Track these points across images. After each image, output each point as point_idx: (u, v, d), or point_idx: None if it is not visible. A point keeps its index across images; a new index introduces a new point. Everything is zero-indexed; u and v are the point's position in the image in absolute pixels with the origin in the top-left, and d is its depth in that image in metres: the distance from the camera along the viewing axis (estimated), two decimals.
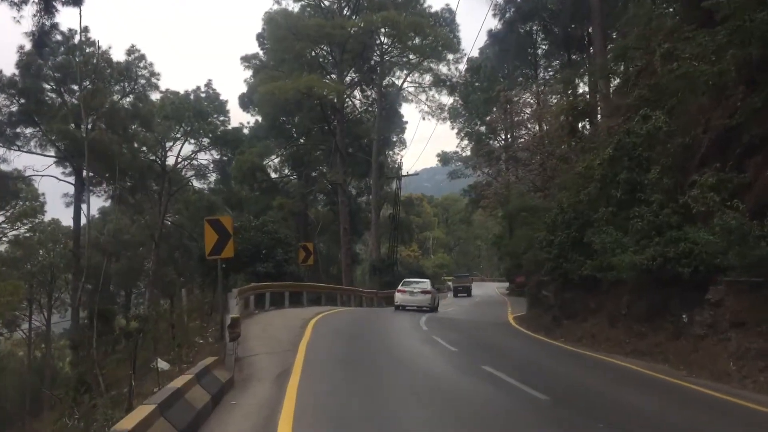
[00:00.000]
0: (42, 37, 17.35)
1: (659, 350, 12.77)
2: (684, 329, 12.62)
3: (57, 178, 37.81)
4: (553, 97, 36.23)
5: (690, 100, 14.48)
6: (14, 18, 16.32)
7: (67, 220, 43.73)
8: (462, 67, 47.79)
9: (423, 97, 50.08)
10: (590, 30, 32.53)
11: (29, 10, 16.45)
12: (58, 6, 16.82)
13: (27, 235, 48.68)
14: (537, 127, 37.57)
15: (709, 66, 12.54)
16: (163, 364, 10.23)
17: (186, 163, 48.13)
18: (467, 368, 11.02)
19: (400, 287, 27.54)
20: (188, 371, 7.18)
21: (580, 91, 33.48)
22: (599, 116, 26.18)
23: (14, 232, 47.60)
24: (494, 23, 41.78)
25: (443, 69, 47.52)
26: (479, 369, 10.53)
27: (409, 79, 49.25)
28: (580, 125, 27.89)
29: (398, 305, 26.60)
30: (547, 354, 14.40)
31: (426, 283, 28.77)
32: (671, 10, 18.37)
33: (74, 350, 10.80)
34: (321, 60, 46.33)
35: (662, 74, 14.58)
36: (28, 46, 30.65)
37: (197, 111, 45.46)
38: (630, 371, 11.52)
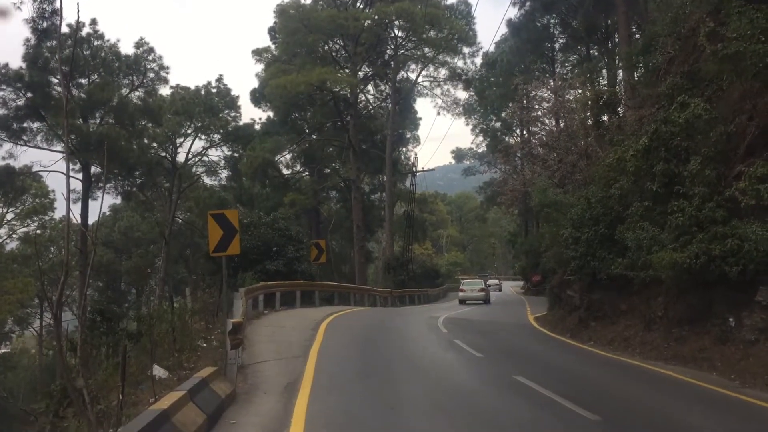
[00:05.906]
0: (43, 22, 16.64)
1: (704, 356, 11.67)
2: (731, 333, 11.55)
3: (65, 174, 37.05)
4: (571, 92, 35.03)
5: (734, 85, 13.34)
6: (14, 4, 15.61)
7: (76, 216, 43.08)
8: (478, 60, 46.73)
9: (438, 91, 49.13)
10: (614, 19, 31.45)
11: None
12: None
13: (38, 232, 48.21)
14: (554, 123, 36.44)
15: (761, 45, 11.42)
16: (160, 371, 9.29)
17: (197, 159, 47.41)
18: (499, 379, 9.96)
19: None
20: (179, 387, 6.21)
21: (599, 86, 32.32)
22: (621, 108, 25.06)
23: (24, 229, 47.21)
24: (513, 12, 40.60)
25: (459, 63, 46.49)
26: (512, 380, 9.41)
27: (423, 73, 48.28)
28: (604, 117, 26.76)
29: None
30: (580, 360, 13.25)
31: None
32: None
33: (74, 353, 9.94)
34: (334, 54, 45.34)
35: (706, 56, 13.42)
36: (30, 35, 29.98)
37: (208, 106, 44.64)
38: (683, 383, 10.21)
